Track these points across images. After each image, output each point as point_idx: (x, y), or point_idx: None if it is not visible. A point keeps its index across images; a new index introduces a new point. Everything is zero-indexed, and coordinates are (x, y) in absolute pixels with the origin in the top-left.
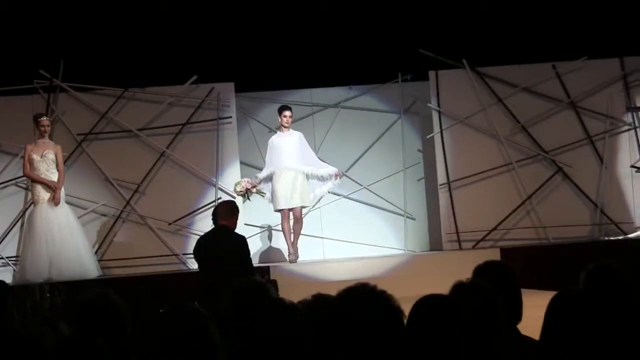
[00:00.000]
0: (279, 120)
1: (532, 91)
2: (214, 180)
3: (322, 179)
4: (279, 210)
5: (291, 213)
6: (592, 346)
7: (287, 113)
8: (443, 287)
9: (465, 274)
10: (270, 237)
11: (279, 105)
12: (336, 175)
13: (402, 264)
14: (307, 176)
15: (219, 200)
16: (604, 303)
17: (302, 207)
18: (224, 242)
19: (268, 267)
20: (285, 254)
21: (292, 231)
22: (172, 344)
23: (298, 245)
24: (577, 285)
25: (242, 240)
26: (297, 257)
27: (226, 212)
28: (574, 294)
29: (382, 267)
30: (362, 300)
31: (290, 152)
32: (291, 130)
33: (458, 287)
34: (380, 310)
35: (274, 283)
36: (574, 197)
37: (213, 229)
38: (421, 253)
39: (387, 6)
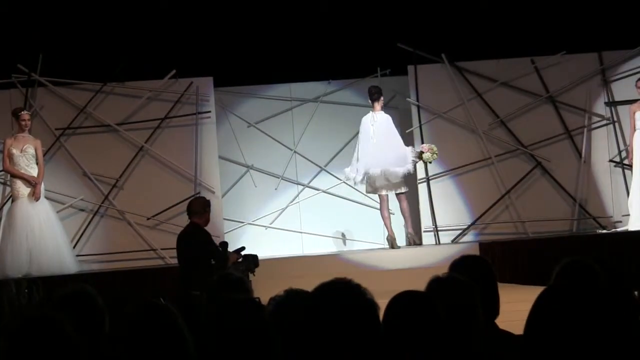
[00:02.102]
0: (382, 102)
1: (511, 86)
2: (193, 175)
3: None
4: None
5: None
6: (576, 342)
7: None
8: (422, 282)
9: (444, 269)
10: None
11: (256, 99)
12: None
13: (380, 259)
14: None
15: (198, 195)
16: (585, 299)
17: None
18: (188, 241)
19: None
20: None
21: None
22: (141, 341)
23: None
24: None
25: (204, 237)
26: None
27: (198, 210)
28: (563, 289)
29: (361, 261)
30: (337, 294)
31: None
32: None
33: (435, 282)
34: (354, 304)
35: (255, 259)
36: (552, 192)
37: (185, 226)
38: (400, 247)
39: (366, 0)
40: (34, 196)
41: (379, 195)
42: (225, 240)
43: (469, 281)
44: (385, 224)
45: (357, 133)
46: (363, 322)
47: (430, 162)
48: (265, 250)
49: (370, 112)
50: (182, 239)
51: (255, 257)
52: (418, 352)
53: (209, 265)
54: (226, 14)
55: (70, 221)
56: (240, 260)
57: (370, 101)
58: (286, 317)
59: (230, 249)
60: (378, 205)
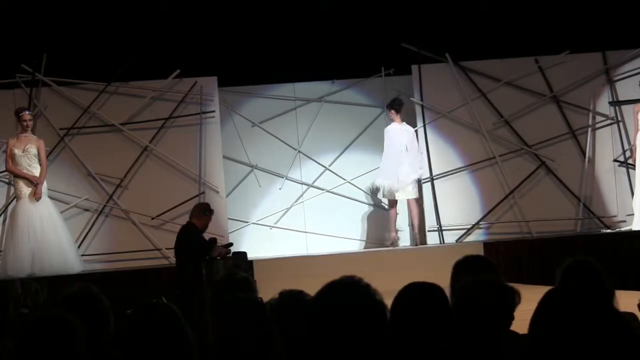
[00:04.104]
0: None
1: (515, 85)
2: (197, 174)
3: None
4: None
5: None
6: (580, 343)
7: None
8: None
9: (448, 269)
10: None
11: (260, 99)
12: None
13: (385, 258)
14: None
15: (203, 195)
16: (589, 300)
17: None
18: (180, 239)
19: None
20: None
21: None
22: (144, 341)
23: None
24: (555, 279)
25: (194, 236)
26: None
27: (197, 212)
28: (567, 290)
29: (365, 261)
30: (345, 294)
31: None
32: (392, 124)
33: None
34: (363, 303)
35: (244, 256)
36: (557, 192)
37: (181, 226)
38: (404, 247)
39: (370, 0)
40: (35, 196)
41: (395, 200)
42: (231, 241)
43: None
44: (393, 225)
45: (361, 132)
46: (370, 323)
47: None
48: (269, 250)
49: (395, 123)
50: (178, 239)
51: (244, 254)
52: (426, 348)
53: (194, 264)
54: (230, 13)
55: (75, 221)
56: (229, 255)
57: (396, 113)
58: (283, 320)
59: (234, 249)
60: (382, 205)
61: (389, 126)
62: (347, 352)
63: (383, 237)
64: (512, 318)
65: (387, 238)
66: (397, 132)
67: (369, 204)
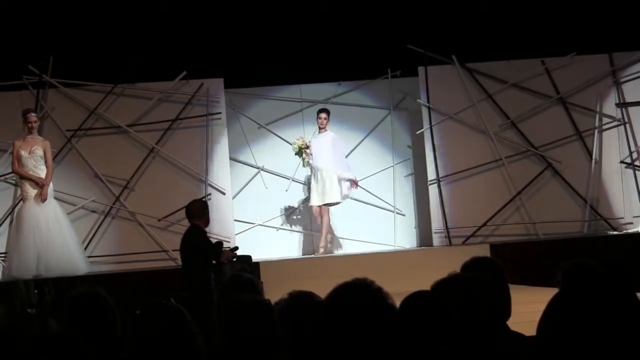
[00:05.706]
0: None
1: (522, 87)
2: (204, 176)
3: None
4: (311, 206)
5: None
6: (589, 346)
7: (322, 115)
8: (432, 283)
9: (455, 270)
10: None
11: (266, 101)
12: (352, 183)
13: (391, 260)
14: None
15: (209, 196)
16: (598, 302)
17: (328, 204)
18: (191, 242)
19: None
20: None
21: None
22: (153, 342)
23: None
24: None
25: (204, 237)
26: (327, 249)
27: (198, 212)
28: (575, 292)
29: (371, 263)
30: (358, 296)
31: (322, 153)
32: (327, 131)
33: (441, 283)
34: (375, 306)
35: (249, 259)
36: (563, 193)
37: (187, 229)
38: (410, 249)
39: (377, 2)
40: (41, 197)
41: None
42: (236, 243)
43: (474, 279)
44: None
45: (368, 134)
46: (382, 326)
47: (298, 152)
48: (276, 252)
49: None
50: (185, 241)
51: (249, 257)
52: (429, 353)
53: (203, 267)
54: (237, 15)
55: (81, 222)
56: (234, 259)
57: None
58: (293, 320)
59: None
60: (389, 207)
61: (332, 132)
62: (357, 354)
63: (389, 238)
64: (509, 314)
65: (319, 245)
66: None
67: (375, 206)
